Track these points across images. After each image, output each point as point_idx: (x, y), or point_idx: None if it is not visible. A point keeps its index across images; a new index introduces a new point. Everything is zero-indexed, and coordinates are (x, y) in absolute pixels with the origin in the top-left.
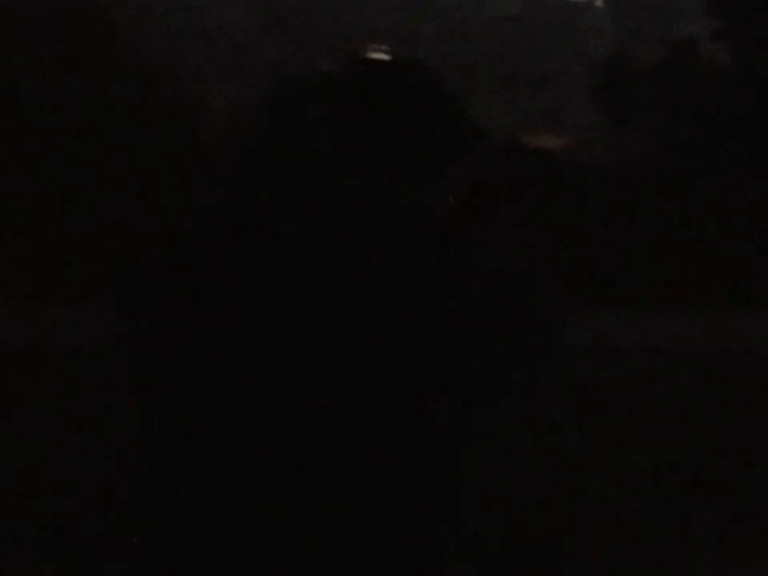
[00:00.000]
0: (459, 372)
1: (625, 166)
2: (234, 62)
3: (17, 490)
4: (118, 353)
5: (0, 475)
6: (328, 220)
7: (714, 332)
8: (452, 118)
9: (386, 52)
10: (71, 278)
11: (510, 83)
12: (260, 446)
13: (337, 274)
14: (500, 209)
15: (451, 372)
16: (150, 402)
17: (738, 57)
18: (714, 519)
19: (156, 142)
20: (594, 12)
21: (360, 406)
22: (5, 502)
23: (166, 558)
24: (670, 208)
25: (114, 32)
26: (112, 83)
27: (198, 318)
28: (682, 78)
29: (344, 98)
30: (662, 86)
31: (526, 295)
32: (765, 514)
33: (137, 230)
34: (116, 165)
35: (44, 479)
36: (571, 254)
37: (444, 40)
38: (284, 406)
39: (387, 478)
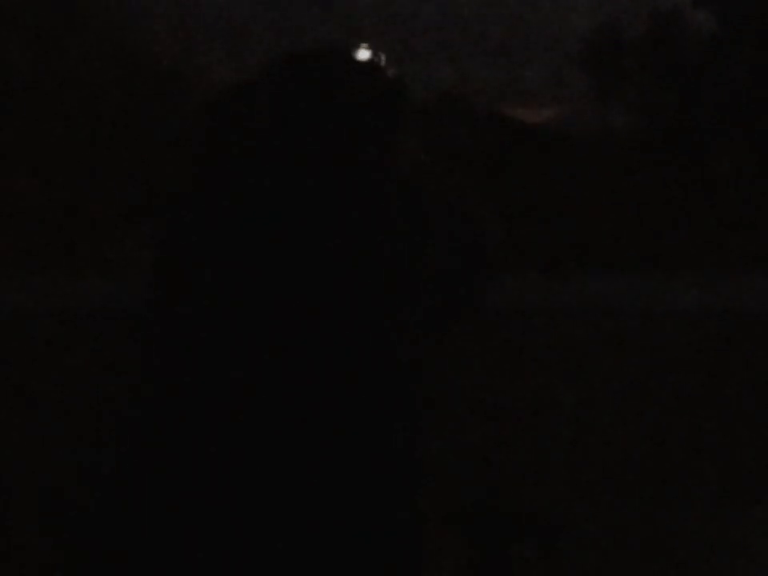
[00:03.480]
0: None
1: (611, 137)
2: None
3: (18, 465)
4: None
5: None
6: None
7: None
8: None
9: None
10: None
11: (495, 56)
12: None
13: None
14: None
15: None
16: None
17: (724, 25)
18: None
19: (145, 127)
20: None
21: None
22: (5, 477)
23: (165, 527)
24: (656, 178)
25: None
26: (96, 63)
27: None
28: (668, 49)
29: (267, 100)
30: (649, 57)
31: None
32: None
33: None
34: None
35: (43, 454)
36: (553, 222)
37: (424, 13)
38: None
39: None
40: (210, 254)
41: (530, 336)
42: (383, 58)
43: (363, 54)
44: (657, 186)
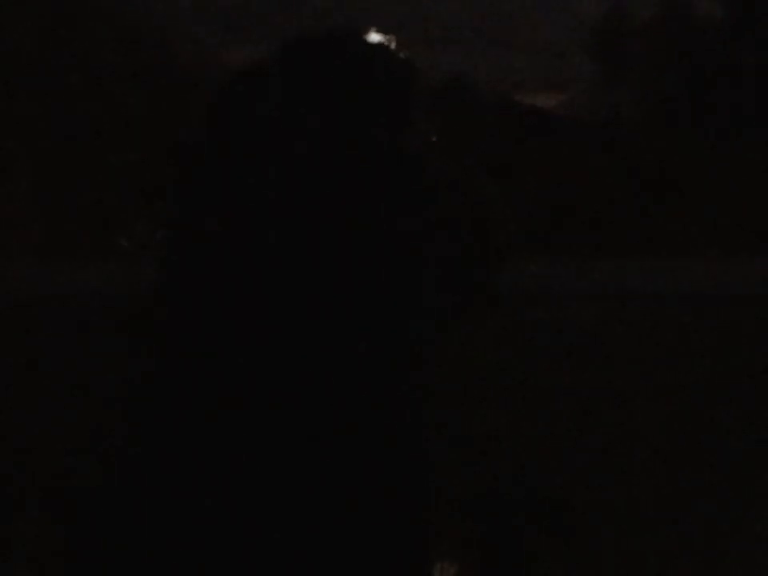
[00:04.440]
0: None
1: (619, 122)
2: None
3: (19, 441)
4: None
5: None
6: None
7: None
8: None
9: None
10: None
11: (504, 42)
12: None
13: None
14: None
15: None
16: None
17: (730, 12)
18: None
19: (156, 108)
20: None
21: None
22: (7, 452)
23: (165, 505)
24: (662, 161)
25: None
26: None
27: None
28: (674, 35)
29: (278, 81)
30: (656, 43)
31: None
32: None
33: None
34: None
35: (45, 431)
36: (565, 206)
37: (435, 0)
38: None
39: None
40: (222, 237)
41: (540, 321)
42: (393, 41)
43: (374, 38)
44: (663, 169)
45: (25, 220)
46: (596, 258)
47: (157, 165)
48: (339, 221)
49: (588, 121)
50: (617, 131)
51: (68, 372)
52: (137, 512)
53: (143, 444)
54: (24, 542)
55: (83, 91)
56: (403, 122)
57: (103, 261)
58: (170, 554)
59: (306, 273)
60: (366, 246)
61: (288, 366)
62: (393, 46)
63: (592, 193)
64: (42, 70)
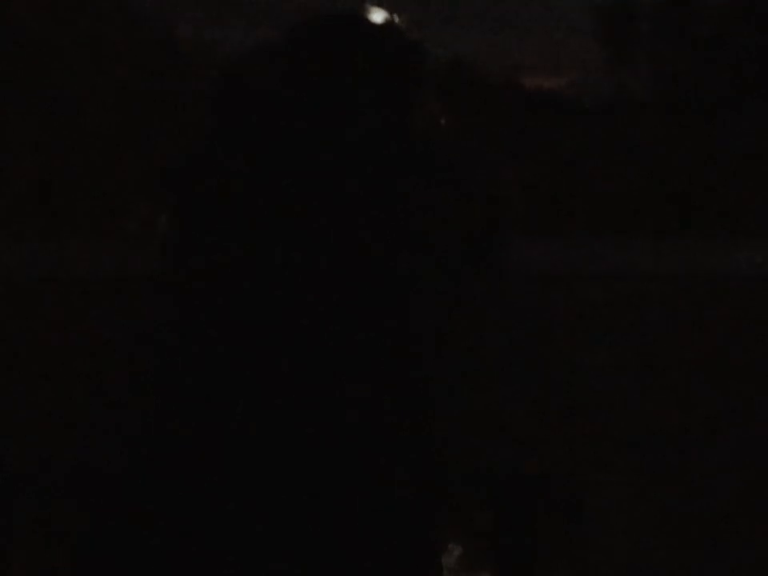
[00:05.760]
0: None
1: (625, 103)
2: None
3: (36, 422)
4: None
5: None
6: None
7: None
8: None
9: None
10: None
11: (510, 23)
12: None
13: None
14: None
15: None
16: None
17: None
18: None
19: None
20: None
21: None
22: (24, 434)
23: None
24: (669, 145)
25: None
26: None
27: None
28: (682, 15)
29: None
30: (663, 24)
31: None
32: None
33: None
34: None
35: (63, 412)
36: (569, 188)
37: None
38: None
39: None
40: (226, 218)
41: (548, 300)
42: (401, 22)
43: (379, 17)
44: (669, 150)
45: (27, 201)
46: (603, 238)
47: (159, 148)
48: (347, 203)
49: (594, 102)
50: (623, 112)
51: (74, 348)
52: (146, 507)
53: (150, 435)
54: (24, 539)
55: (85, 72)
56: (412, 103)
57: (108, 242)
58: (176, 553)
59: (310, 261)
60: (373, 228)
61: (290, 356)
62: (401, 26)
63: (598, 173)
64: (43, 51)
